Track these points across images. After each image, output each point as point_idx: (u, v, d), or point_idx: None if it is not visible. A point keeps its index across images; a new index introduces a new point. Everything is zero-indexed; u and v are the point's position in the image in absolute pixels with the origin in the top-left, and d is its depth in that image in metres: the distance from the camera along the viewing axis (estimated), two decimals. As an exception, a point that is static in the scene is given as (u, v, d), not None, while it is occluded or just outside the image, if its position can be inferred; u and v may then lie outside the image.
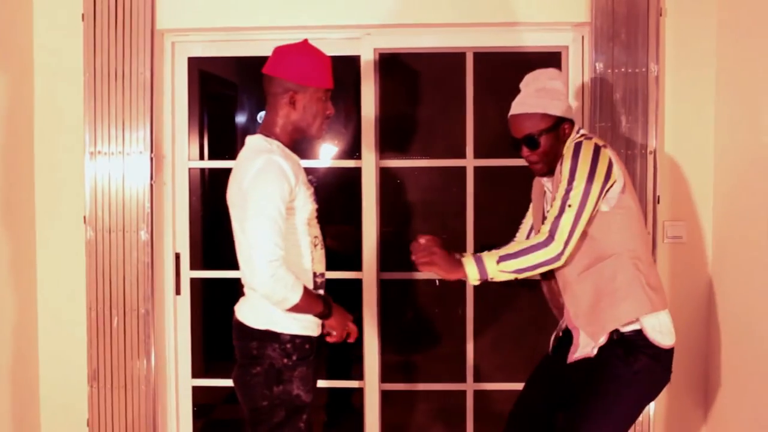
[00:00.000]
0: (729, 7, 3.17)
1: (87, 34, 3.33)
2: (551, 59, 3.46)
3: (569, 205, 2.43)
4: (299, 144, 2.61)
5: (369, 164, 3.47)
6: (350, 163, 3.59)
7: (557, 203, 2.46)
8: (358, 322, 3.48)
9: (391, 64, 3.54)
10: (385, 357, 3.60)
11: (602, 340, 2.54)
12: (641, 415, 2.80)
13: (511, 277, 2.47)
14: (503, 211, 3.55)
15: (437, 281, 2.52)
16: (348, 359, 3.78)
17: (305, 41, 2.55)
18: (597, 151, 2.48)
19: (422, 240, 2.63)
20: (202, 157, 3.78)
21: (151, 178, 3.35)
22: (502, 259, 2.45)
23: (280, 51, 2.52)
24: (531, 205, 2.90)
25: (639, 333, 2.52)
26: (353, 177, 3.52)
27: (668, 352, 2.56)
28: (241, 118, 4.10)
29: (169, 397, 3.56)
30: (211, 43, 3.52)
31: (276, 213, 2.33)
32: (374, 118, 3.47)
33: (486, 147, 3.47)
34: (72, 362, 3.44)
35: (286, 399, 2.43)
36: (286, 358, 2.43)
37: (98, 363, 3.37)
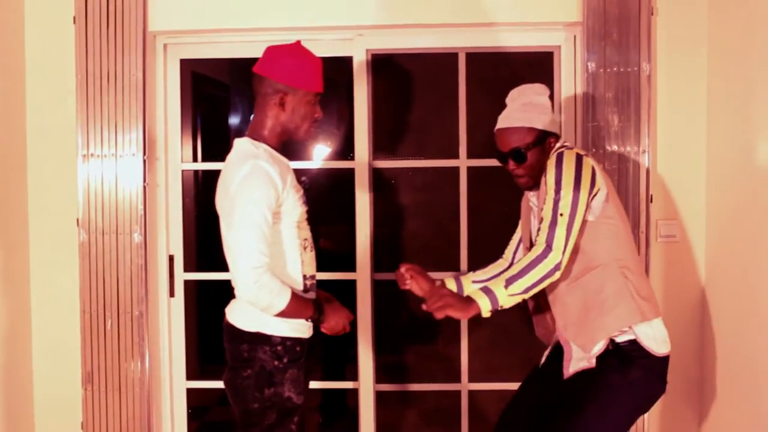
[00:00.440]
0: (719, 6, 3.18)
1: (78, 37, 3.32)
2: (543, 59, 3.47)
3: (561, 214, 2.43)
4: (290, 145, 2.61)
5: (362, 165, 3.48)
6: (343, 164, 3.59)
7: (548, 213, 2.45)
8: (353, 322, 3.48)
9: (383, 64, 3.54)
10: (380, 358, 3.60)
11: (597, 349, 2.52)
12: (635, 422, 2.79)
13: (520, 299, 2.44)
14: (496, 211, 3.55)
15: (423, 306, 2.52)
16: (342, 360, 3.78)
17: (298, 43, 2.54)
18: (579, 159, 2.49)
19: (402, 269, 2.74)
20: (195, 159, 3.78)
21: (144, 180, 3.34)
22: (508, 282, 2.42)
23: (271, 51, 2.51)
24: (520, 222, 2.91)
25: (634, 342, 2.52)
26: (347, 178, 3.52)
27: (663, 361, 2.56)
28: (234, 120, 4.11)
29: (164, 400, 3.55)
30: (203, 44, 3.51)
31: (261, 219, 2.32)
32: (367, 119, 3.47)
33: (479, 147, 3.48)
34: (66, 365, 3.43)
35: (277, 401, 2.42)
36: (277, 360, 2.42)
37: (92, 365, 3.36)
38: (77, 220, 3.34)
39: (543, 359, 2.81)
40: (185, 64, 3.56)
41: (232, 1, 3.34)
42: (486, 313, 2.45)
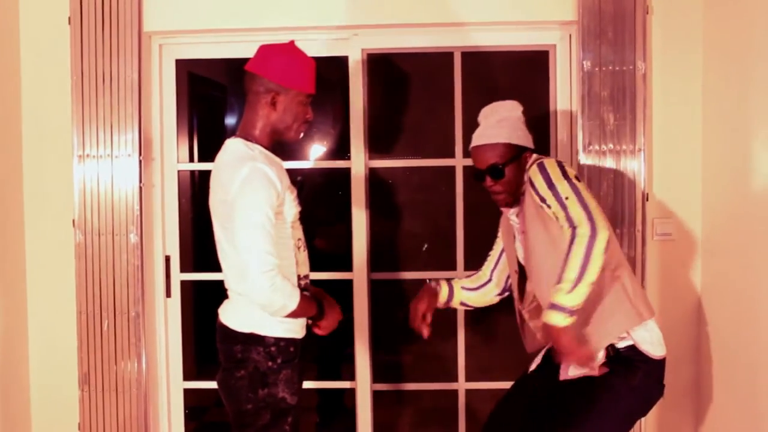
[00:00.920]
0: (715, 4, 3.19)
1: (74, 38, 3.32)
2: (539, 58, 3.47)
3: (566, 198, 2.41)
4: (286, 145, 2.60)
5: (358, 164, 3.47)
6: (339, 164, 3.59)
7: (557, 209, 2.42)
8: (349, 322, 3.49)
9: (379, 64, 3.54)
10: (377, 357, 3.60)
11: (599, 357, 2.53)
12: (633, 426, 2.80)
13: (587, 288, 2.34)
14: (492, 210, 3.54)
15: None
16: (339, 360, 3.78)
17: (292, 42, 2.53)
18: (560, 163, 2.52)
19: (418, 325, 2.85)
20: (192, 159, 3.77)
21: (140, 181, 3.34)
22: (563, 286, 2.34)
23: (265, 50, 2.51)
24: (498, 241, 2.91)
25: (633, 348, 2.53)
26: (343, 177, 3.52)
27: (661, 365, 2.58)
28: (230, 120, 4.10)
29: (161, 400, 3.55)
30: (198, 44, 3.51)
31: (266, 221, 2.31)
32: (363, 119, 3.46)
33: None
34: (62, 366, 3.43)
35: (271, 402, 2.42)
36: (271, 361, 2.42)
37: (89, 366, 3.36)
38: (73, 220, 3.34)
39: (533, 366, 2.80)
40: (181, 64, 3.56)
41: (227, 2, 3.34)
42: (568, 321, 2.36)
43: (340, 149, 3.64)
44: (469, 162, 3.45)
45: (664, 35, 3.30)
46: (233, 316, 2.47)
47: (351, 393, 3.58)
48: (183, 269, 3.57)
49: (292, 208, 2.46)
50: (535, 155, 2.64)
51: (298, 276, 2.51)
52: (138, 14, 3.32)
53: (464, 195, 3.49)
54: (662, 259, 3.34)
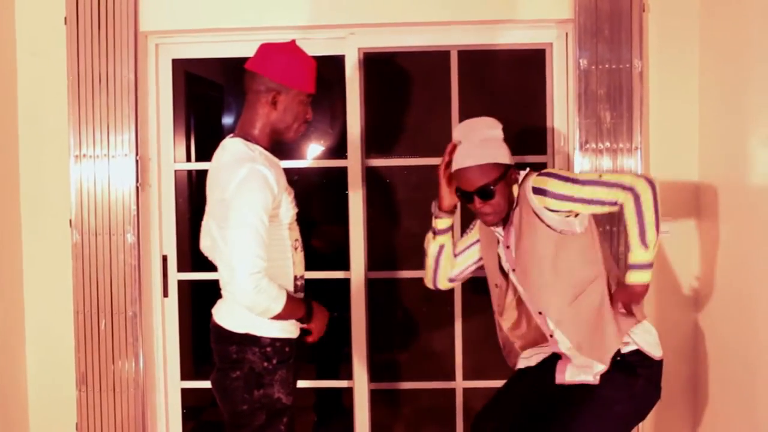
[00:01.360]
0: (711, 3, 3.18)
1: (70, 38, 3.31)
2: (535, 56, 3.47)
3: (600, 176, 2.46)
4: (283, 144, 2.60)
5: (355, 164, 3.47)
6: (336, 163, 3.58)
7: (592, 193, 2.42)
8: (346, 321, 3.49)
9: (375, 63, 3.54)
10: (374, 356, 3.60)
11: (602, 366, 2.54)
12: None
13: (656, 240, 2.42)
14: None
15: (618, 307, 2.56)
16: (337, 359, 3.78)
17: (293, 42, 2.52)
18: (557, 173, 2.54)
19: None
20: (188, 159, 3.77)
21: (137, 181, 3.34)
22: (648, 242, 2.40)
23: (266, 48, 2.49)
24: (470, 237, 2.82)
25: (638, 352, 2.55)
26: (340, 176, 3.52)
27: (660, 367, 2.59)
28: (227, 120, 4.10)
29: (158, 400, 3.55)
30: (195, 44, 3.51)
31: (259, 223, 2.30)
32: (360, 118, 3.46)
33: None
34: (60, 366, 3.43)
35: (266, 403, 2.41)
36: (267, 361, 2.41)
37: (86, 366, 3.36)
38: (70, 220, 3.34)
39: (523, 364, 2.78)
40: (177, 64, 3.55)
41: (223, 1, 3.34)
42: (649, 278, 2.45)
43: (337, 148, 3.64)
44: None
45: (661, 33, 3.30)
46: (228, 316, 2.46)
47: (348, 392, 3.58)
48: (180, 269, 3.57)
49: (289, 210, 2.45)
50: (521, 171, 2.60)
51: (295, 277, 2.50)
52: (134, 14, 3.31)
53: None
54: (659, 257, 3.33)
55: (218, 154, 2.50)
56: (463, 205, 2.67)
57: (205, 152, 3.76)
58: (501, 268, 2.70)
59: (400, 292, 3.71)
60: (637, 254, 2.42)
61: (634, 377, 2.53)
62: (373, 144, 3.55)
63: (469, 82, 3.51)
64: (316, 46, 3.39)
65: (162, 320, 3.54)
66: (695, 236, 3.31)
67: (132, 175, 3.33)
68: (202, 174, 3.61)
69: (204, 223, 2.66)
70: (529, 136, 3.50)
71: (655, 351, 2.57)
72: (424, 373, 3.73)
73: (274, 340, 2.42)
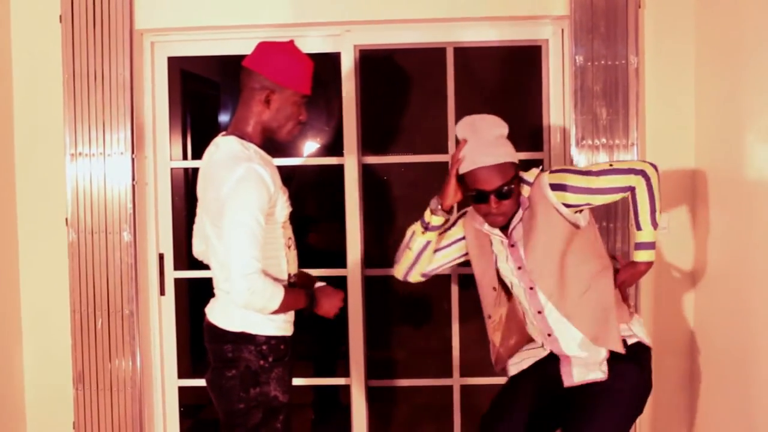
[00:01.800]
0: (707, -2, 3.19)
1: (65, 36, 3.31)
2: (531, 53, 3.47)
3: (610, 165, 2.53)
4: (275, 142, 2.59)
5: (351, 161, 3.47)
6: (332, 160, 3.58)
7: (607, 182, 2.50)
8: (344, 319, 3.48)
9: (371, 60, 3.54)
10: (371, 354, 3.60)
11: (603, 355, 2.56)
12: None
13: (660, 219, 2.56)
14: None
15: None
16: (334, 356, 3.78)
17: (291, 42, 2.51)
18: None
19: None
20: (185, 157, 3.77)
21: (133, 179, 3.34)
22: (655, 222, 2.53)
23: (264, 47, 2.48)
24: (452, 235, 2.74)
25: (639, 344, 2.60)
26: (336, 174, 3.52)
27: (650, 355, 2.65)
28: (224, 117, 4.09)
29: (156, 398, 3.55)
30: (190, 42, 3.50)
31: (255, 223, 2.29)
32: (356, 115, 3.46)
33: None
34: (57, 365, 3.43)
35: (263, 401, 2.41)
36: (263, 359, 2.41)
37: (83, 365, 3.35)
38: (66, 219, 3.34)
39: (516, 370, 2.75)
40: (173, 61, 3.55)
41: (218, -1, 3.34)
42: (653, 255, 2.58)
43: (334, 146, 3.64)
44: (462, 157, 3.46)
45: (657, 29, 3.30)
46: (222, 315, 2.46)
47: (346, 389, 3.58)
48: (177, 267, 3.56)
49: (283, 209, 2.45)
50: (534, 169, 2.60)
51: (289, 275, 2.51)
52: (129, 12, 3.31)
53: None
54: (656, 253, 3.33)
55: (211, 151, 2.49)
56: (464, 204, 2.66)
57: (201, 150, 3.72)
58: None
59: (396, 290, 3.71)
60: (648, 233, 2.53)
61: (640, 368, 2.57)
62: (369, 141, 3.55)
63: (465, 78, 3.50)
64: (312, 44, 3.39)
65: (159, 318, 3.54)
66: (691, 231, 3.31)
67: (128, 174, 3.33)
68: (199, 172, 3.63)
69: (196, 227, 2.66)
70: (525, 133, 3.50)
71: (648, 341, 2.64)
72: (422, 370, 3.73)
73: (269, 338, 2.42)
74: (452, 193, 2.58)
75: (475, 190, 2.48)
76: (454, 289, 3.52)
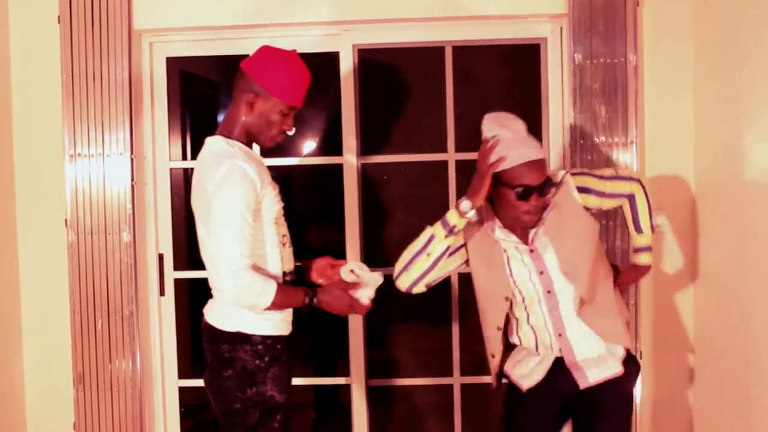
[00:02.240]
0: (705, -4, 3.19)
1: (63, 36, 3.31)
2: (530, 51, 3.47)
3: (613, 172, 2.64)
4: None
5: (350, 160, 3.47)
6: (332, 160, 3.58)
7: (614, 186, 2.59)
8: (344, 319, 3.48)
9: (370, 59, 3.54)
10: (372, 353, 3.60)
11: (621, 352, 2.58)
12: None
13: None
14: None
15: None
16: (334, 356, 3.78)
17: (293, 52, 2.49)
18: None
19: None
20: (184, 157, 3.77)
21: (132, 179, 3.34)
22: (650, 227, 2.66)
23: (262, 51, 2.48)
24: (480, 273, 2.59)
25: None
26: (335, 173, 3.51)
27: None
28: (222, 118, 4.09)
29: (156, 399, 3.55)
30: (189, 42, 3.50)
31: (241, 220, 2.29)
32: (354, 115, 3.46)
33: (467, 140, 3.47)
34: (57, 366, 3.42)
35: (259, 400, 2.41)
36: (259, 359, 2.41)
37: (83, 366, 3.35)
38: (65, 220, 3.33)
39: (527, 385, 2.61)
40: (172, 62, 3.54)
41: (216, -1, 3.34)
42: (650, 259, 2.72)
43: (333, 145, 3.64)
44: (461, 156, 3.47)
45: (655, 27, 3.30)
46: (218, 315, 2.46)
47: (346, 389, 3.58)
48: (176, 267, 3.56)
49: (274, 205, 2.44)
50: (560, 171, 2.60)
51: (284, 273, 2.50)
52: (128, 12, 3.31)
53: (457, 189, 3.49)
54: (655, 251, 3.32)
55: (201, 152, 2.50)
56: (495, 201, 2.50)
57: (200, 151, 3.77)
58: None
59: (396, 288, 3.70)
60: (648, 236, 2.67)
61: (638, 368, 2.66)
62: (368, 141, 3.55)
63: (464, 77, 3.50)
64: (310, 43, 3.39)
65: (159, 319, 3.54)
66: (691, 229, 3.30)
67: (127, 174, 3.33)
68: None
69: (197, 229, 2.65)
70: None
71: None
72: (422, 369, 3.73)
73: (265, 338, 2.42)
74: (484, 193, 2.42)
75: (520, 186, 2.36)
76: (454, 288, 3.52)
